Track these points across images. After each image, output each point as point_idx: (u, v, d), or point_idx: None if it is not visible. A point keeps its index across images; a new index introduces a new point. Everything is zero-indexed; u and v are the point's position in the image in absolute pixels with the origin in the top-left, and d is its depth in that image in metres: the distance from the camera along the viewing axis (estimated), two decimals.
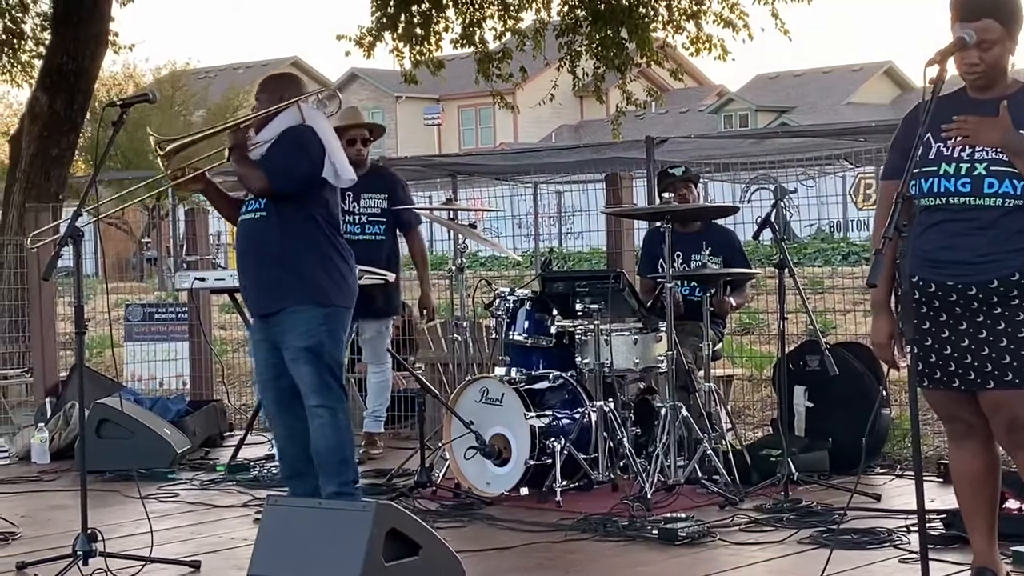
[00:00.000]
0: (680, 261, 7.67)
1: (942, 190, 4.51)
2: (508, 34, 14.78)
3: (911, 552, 5.51)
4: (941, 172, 4.52)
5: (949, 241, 4.49)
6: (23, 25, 14.85)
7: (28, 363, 10.53)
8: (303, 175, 6.21)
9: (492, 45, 14.90)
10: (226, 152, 6.34)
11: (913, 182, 4.49)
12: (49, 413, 9.12)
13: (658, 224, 7.31)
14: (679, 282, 7.57)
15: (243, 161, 6.25)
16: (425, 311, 8.68)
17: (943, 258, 4.49)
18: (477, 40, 14.50)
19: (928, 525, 4.71)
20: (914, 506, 4.28)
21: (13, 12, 14.57)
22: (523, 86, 15.06)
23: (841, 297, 11.99)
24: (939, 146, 4.55)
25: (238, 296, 8.73)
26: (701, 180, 8.67)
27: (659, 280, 7.43)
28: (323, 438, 6.18)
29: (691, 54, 14.77)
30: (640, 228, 9.26)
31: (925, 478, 4.57)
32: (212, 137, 6.68)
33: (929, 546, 4.43)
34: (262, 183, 6.20)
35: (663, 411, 6.92)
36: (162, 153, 6.24)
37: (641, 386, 7.45)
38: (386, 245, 8.41)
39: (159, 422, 8.60)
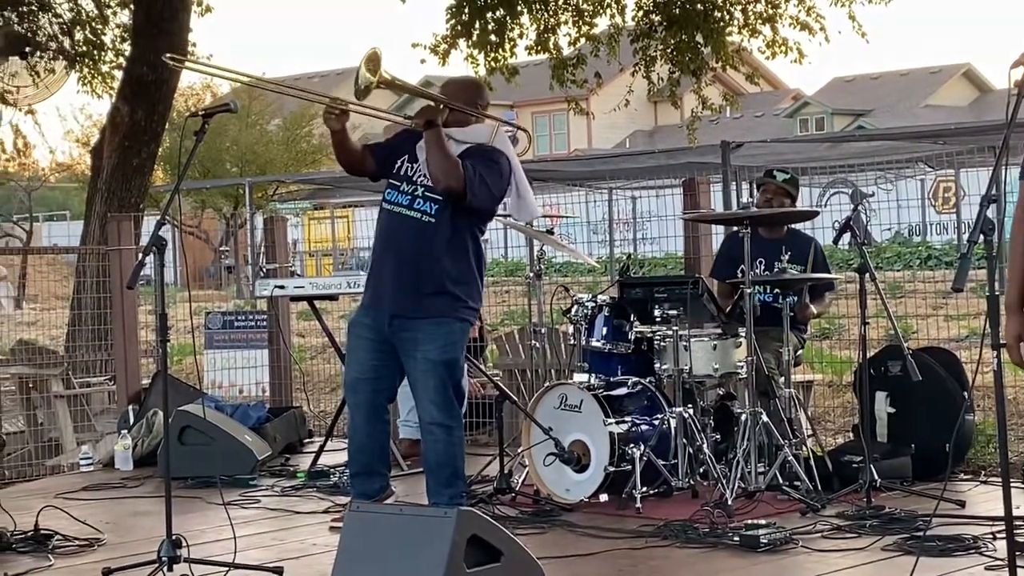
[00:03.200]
0: (762, 267, 7.62)
1: None
2: (582, 40, 14.79)
3: (998, 559, 5.43)
4: None
5: None
6: (103, 36, 15.02)
7: (111, 371, 10.65)
8: (496, 197, 6.16)
9: (567, 51, 14.92)
10: (422, 123, 6.08)
11: None
12: (132, 420, 9.22)
13: (737, 228, 7.27)
14: (759, 288, 7.53)
15: (441, 145, 6.03)
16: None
17: None
18: (551, 46, 14.52)
19: (1015, 531, 4.65)
20: (1000, 512, 4.22)
21: (93, 24, 14.75)
22: (597, 92, 15.03)
23: (921, 301, 11.88)
24: None
25: (317, 303, 8.80)
26: None
27: (738, 285, 7.39)
28: (437, 454, 6.16)
29: (767, 57, 14.72)
30: (717, 233, 9.21)
31: (1012, 484, 4.51)
32: (413, 94, 6.49)
33: (1017, 553, 4.37)
34: (458, 182, 6.00)
35: (743, 417, 6.88)
36: (373, 80, 5.90)
37: (720, 392, 7.40)
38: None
39: (240, 429, 8.67)
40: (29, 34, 12.92)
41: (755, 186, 7.94)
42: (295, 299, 8.96)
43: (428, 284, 6.12)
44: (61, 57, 13.80)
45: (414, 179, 6.23)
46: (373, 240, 6.43)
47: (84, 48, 14.55)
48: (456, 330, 6.16)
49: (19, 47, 11.80)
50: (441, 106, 6.14)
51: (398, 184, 6.26)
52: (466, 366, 8.43)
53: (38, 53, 13.26)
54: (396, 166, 6.30)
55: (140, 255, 5.73)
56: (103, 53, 14.98)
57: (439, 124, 6.07)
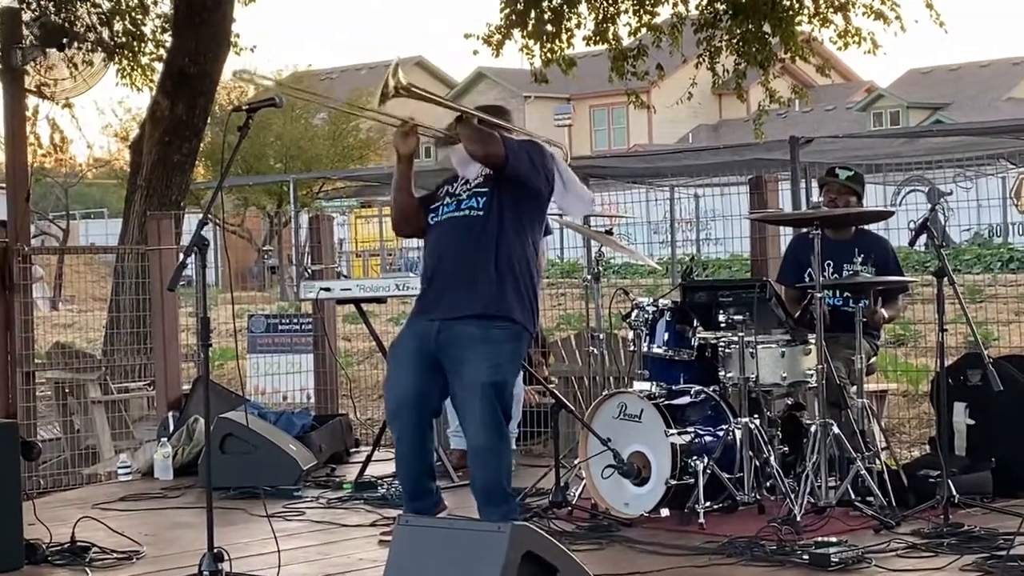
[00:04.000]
0: (831, 270, 7.59)
1: None
2: (643, 30, 14.77)
3: None
4: None
5: None
6: (143, 27, 15.12)
7: (150, 376, 10.73)
8: (539, 171, 6.16)
9: (626, 41, 14.91)
10: (453, 121, 6.22)
11: None
12: (172, 428, 9.28)
13: (806, 230, 7.23)
14: (829, 292, 7.49)
15: (475, 128, 6.15)
16: None
17: None
18: (611, 36, 14.52)
19: None
20: None
21: (133, 14, 14.84)
22: (659, 84, 15.04)
23: (1002, 307, 11.79)
24: None
25: (364, 306, 8.83)
26: None
27: (807, 289, 7.35)
28: (485, 472, 6.17)
29: (839, 48, 14.64)
30: (785, 234, 9.18)
31: None
32: (441, 106, 6.57)
33: None
34: (498, 147, 6.08)
35: (813, 428, 6.84)
36: (394, 84, 5.98)
37: (789, 402, 7.37)
38: None
39: (284, 437, 8.71)
40: (66, 24, 13.02)
41: (819, 184, 7.90)
42: (341, 302, 8.98)
43: (481, 278, 6.12)
44: (99, 48, 13.89)
45: (457, 191, 6.32)
46: (421, 265, 6.47)
47: (123, 39, 14.65)
48: (505, 351, 6.13)
49: (56, 38, 11.90)
50: (476, 120, 6.25)
51: (440, 203, 6.33)
52: (521, 372, 8.49)
53: (75, 44, 13.37)
54: (435, 199, 6.39)
55: (182, 255, 5.77)
56: (143, 44, 15.08)
57: (472, 121, 6.20)
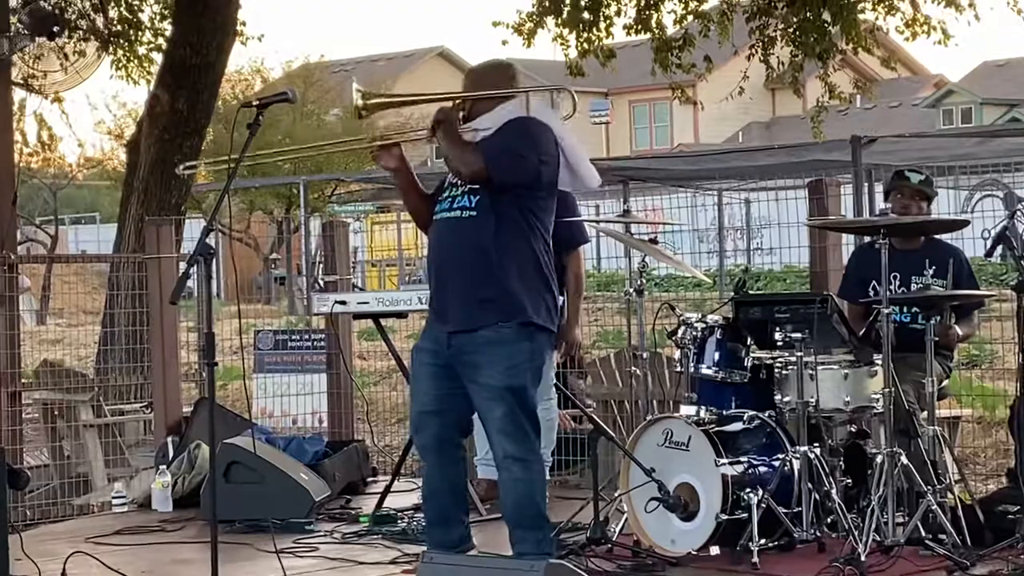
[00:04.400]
0: (898, 283, 7.57)
1: None
2: (690, 17, 14.78)
3: None
4: None
5: None
6: (140, 14, 15.20)
7: (147, 397, 10.76)
8: (530, 168, 6.18)
9: (671, 30, 14.90)
10: (429, 128, 6.30)
11: None
12: (171, 454, 9.31)
13: (871, 239, 7.22)
14: (895, 308, 7.47)
15: (453, 138, 6.21)
16: (565, 344, 8.28)
17: None
18: (654, 25, 14.52)
19: None
20: None
21: (130, 0, 14.93)
22: (706, 78, 15.02)
23: None
24: None
25: (383, 322, 8.84)
26: None
27: (872, 305, 7.34)
28: (515, 492, 6.21)
29: (905, 39, 14.66)
30: (847, 244, 9.17)
31: None
32: (420, 103, 6.69)
33: None
34: (477, 165, 6.14)
35: (879, 459, 6.82)
36: (363, 104, 6.22)
37: (852, 429, 7.35)
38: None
39: (295, 465, 8.72)
40: (56, 11, 13.09)
41: (884, 190, 7.87)
42: (359, 317, 8.99)
43: (481, 284, 6.18)
44: (93, 37, 13.97)
45: (455, 182, 6.39)
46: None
47: (119, 27, 14.74)
48: (521, 351, 6.18)
49: (47, 26, 11.95)
50: (453, 103, 6.30)
51: (442, 195, 6.42)
52: (555, 395, 8.49)
53: (67, 32, 13.44)
54: (440, 189, 6.49)
55: (184, 265, 5.79)
56: (140, 33, 15.17)
57: (450, 120, 6.23)
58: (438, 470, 6.37)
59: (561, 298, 7.88)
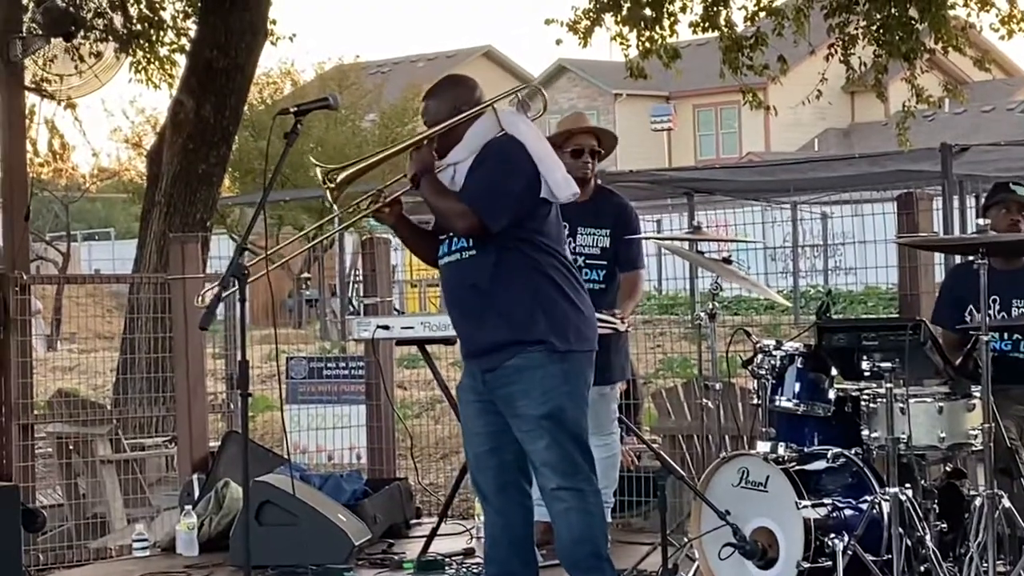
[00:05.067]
0: (998, 307, 7.54)
1: None
2: (762, 14, 14.75)
3: None
4: None
5: None
6: (162, 11, 15.24)
7: (170, 430, 10.78)
8: (519, 203, 6.28)
9: (741, 28, 14.88)
10: (409, 180, 6.44)
11: None
12: (197, 493, 9.33)
13: (969, 259, 7.18)
14: (995, 335, 7.42)
15: (438, 191, 6.34)
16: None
17: None
18: (722, 22, 14.49)
19: None
20: None
21: None
22: (780, 80, 14.97)
23: None
24: None
25: (429, 348, 8.84)
26: None
27: (970, 332, 7.29)
28: (569, 528, 6.23)
29: (1001, 37, 14.56)
30: (938, 264, 9.12)
31: None
32: (391, 158, 6.80)
33: None
34: (469, 221, 6.26)
35: (978, 501, 6.78)
36: (332, 186, 6.37)
37: (948, 468, 7.31)
38: (610, 293, 8.32)
39: (332, 506, 8.73)
40: (72, 10, 13.16)
41: (983, 204, 7.81)
42: (402, 342, 8.99)
43: (498, 320, 6.28)
44: (110, 38, 14.04)
45: None
46: None
47: (139, 26, 14.79)
48: (553, 374, 6.24)
49: (62, 26, 12.02)
50: (425, 142, 6.41)
51: (443, 236, 6.51)
52: (618, 429, 8.47)
53: (82, 33, 13.50)
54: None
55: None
56: (162, 32, 15.21)
57: (427, 166, 6.34)
58: (496, 516, 6.41)
59: (623, 324, 7.90)
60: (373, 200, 6.46)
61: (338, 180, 6.41)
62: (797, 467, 7.04)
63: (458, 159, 6.35)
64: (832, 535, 6.81)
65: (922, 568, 6.93)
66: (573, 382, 6.32)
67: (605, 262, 8.26)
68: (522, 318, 6.25)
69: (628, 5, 14.30)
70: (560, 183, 6.35)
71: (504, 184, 6.26)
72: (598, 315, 7.71)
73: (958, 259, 8.16)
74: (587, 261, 8.21)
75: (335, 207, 6.56)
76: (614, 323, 7.94)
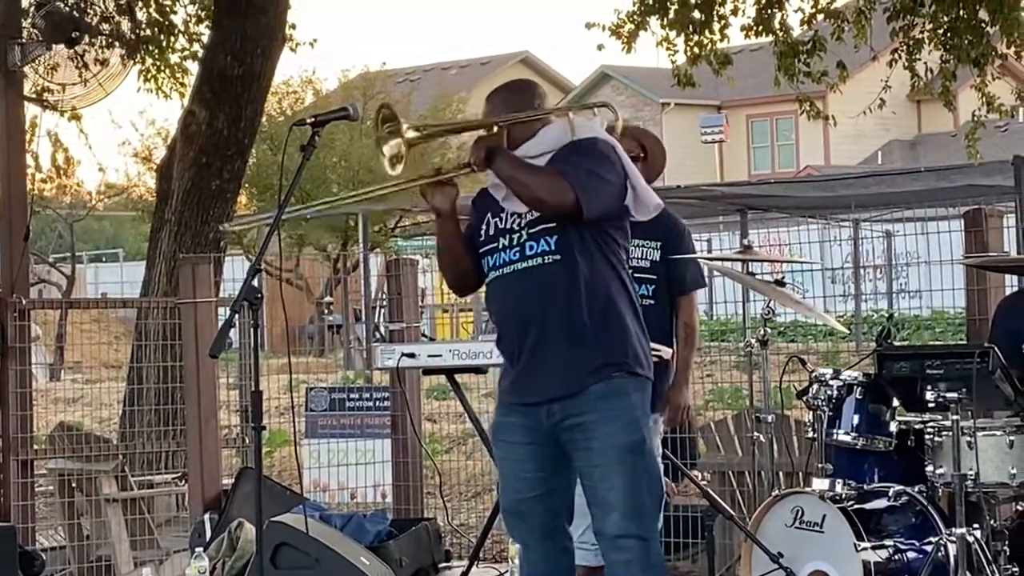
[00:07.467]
0: None
1: None
2: (819, 17, 14.75)
3: None
4: None
5: None
6: (173, 15, 15.31)
7: (180, 466, 10.80)
8: (615, 199, 6.15)
9: (797, 32, 14.89)
10: (476, 163, 6.22)
11: None
12: (209, 534, 9.35)
13: (1016, 290, 7.18)
14: None
15: (521, 164, 6.14)
16: (674, 411, 8.05)
17: None
18: (777, 26, 14.50)
19: None
20: None
21: (161, 0, 15.05)
22: (839, 88, 14.97)
23: None
24: None
25: (458, 377, 8.85)
26: None
27: None
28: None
29: None
30: (1013, 286, 9.11)
31: None
32: (459, 132, 6.67)
33: None
34: (565, 196, 6.03)
35: None
36: (403, 139, 6.13)
37: (1019, 507, 7.30)
38: (658, 311, 8.30)
39: (354, 548, 8.75)
40: (76, 14, 13.22)
41: None
42: (430, 372, 8.99)
43: (586, 338, 6.10)
44: (117, 44, 14.09)
45: (511, 226, 6.27)
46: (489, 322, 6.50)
47: (147, 32, 14.85)
48: (635, 404, 6.11)
49: (65, 31, 12.07)
50: (495, 128, 6.23)
51: (495, 245, 6.30)
52: (662, 466, 8.45)
53: (87, 39, 13.56)
54: (483, 235, 6.36)
55: (229, 312, 5.83)
56: (173, 38, 15.27)
57: (502, 147, 6.17)
58: (542, 564, 6.29)
59: (668, 350, 7.86)
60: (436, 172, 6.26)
61: (408, 136, 6.12)
62: (856, 506, 7.05)
63: (531, 154, 6.21)
64: None
65: None
66: (648, 415, 6.26)
67: (655, 276, 8.25)
68: (610, 339, 6.11)
69: (675, 7, 14.32)
70: (651, 202, 6.30)
71: (603, 174, 6.12)
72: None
73: (1008, 290, 8.13)
74: (635, 275, 8.20)
75: (400, 164, 6.23)
76: (659, 350, 7.93)
